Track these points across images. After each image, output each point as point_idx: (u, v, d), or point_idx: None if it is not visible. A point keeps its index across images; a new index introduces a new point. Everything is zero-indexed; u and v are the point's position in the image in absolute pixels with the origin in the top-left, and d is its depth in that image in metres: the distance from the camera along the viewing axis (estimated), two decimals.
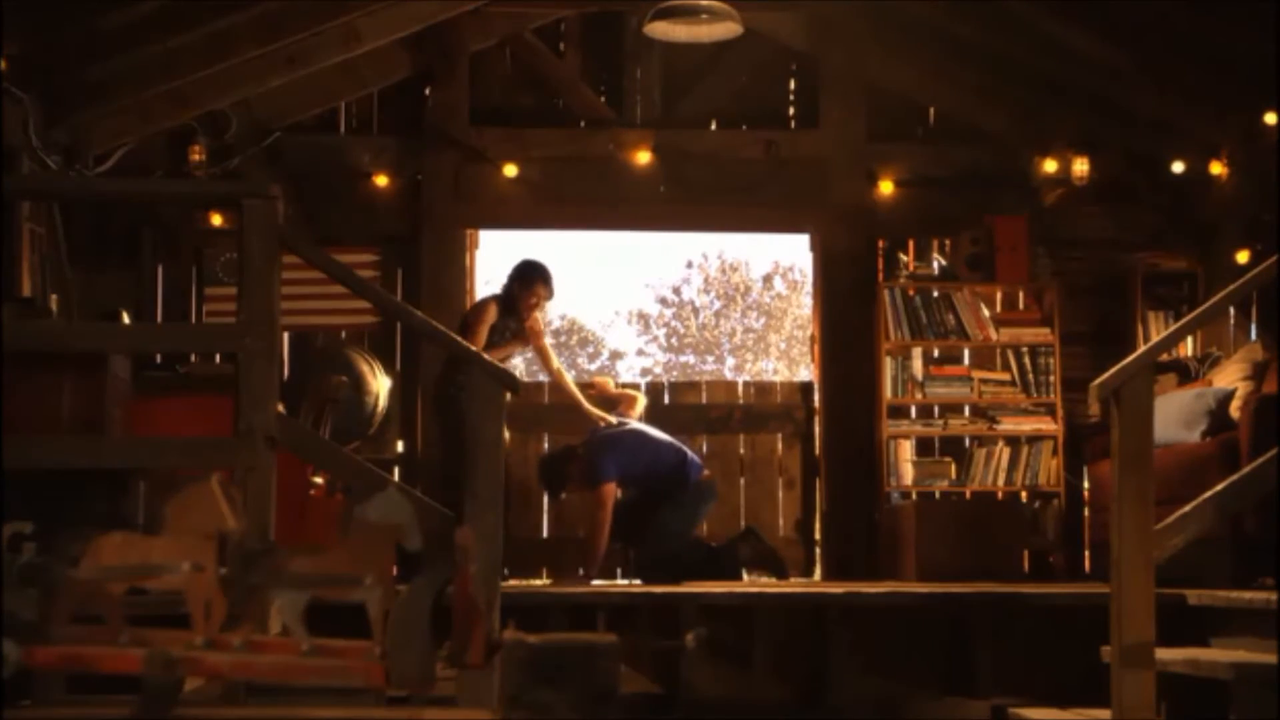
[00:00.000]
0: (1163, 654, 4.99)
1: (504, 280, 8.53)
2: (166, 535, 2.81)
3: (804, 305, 31.18)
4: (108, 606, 2.91)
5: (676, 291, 33.27)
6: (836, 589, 6.99)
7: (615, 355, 33.67)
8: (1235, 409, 7.48)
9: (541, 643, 2.58)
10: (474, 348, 7.98)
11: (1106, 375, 5.05)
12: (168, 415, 5.84)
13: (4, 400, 4.53)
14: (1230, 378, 7.89)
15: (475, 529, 4.07)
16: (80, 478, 4.69)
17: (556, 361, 8.91)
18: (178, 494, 2.84)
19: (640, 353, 33.28)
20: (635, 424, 8.61)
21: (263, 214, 4.66)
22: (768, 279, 32.89)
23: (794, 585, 8.46)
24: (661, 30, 8.56)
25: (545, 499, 9.73)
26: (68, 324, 5.41)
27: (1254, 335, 9.02)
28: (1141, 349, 5.16)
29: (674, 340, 33.11)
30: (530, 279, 8.41)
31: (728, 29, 8.48)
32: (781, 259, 32.79)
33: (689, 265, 33.19)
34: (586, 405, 8.63)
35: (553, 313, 33.66)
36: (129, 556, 2.80)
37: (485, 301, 8.53)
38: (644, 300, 39.45)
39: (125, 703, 3.58)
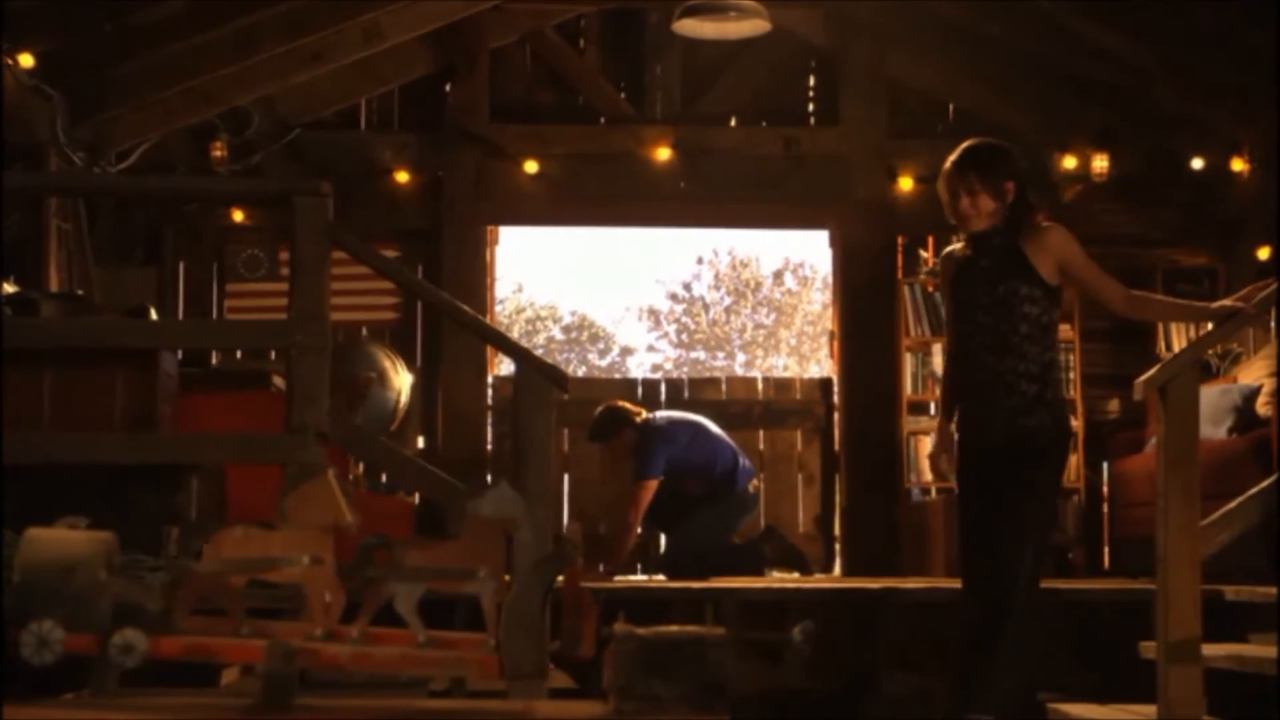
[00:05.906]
0: (1206, 650, 5.01)
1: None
2: (285, 529, 2.86)
3: (814, 301, 31.12)
4: (230, 599, 2.96)
5: (687, 287, 33.09)
6: (873, 584, 7.00)
7: (626, 351, 33.60)
8: (1261, 405, 7.50)
9: (652, 635, 2.61)
10: None
11: (1152, 371, 5.08)
12: (207, 411, 5.86)
13: (59, 397, 4.56)
14: (1256, 374, 7.91)
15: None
16: (133, 473, 4.72)
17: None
18: (296, 489, 2.88)
19: (651, 349, 33.21)
20: (698, 418, 8.49)
21: (313, 211, 4.68)
22: (778, 275, 32.76)
23: (822, 580, 8.47)
24: (690, 27, 8.55)
25: (565, 490, 9.78)
26: (120, 321, 5.42)
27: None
28: (1187, 344, 5.18)
29: (684, 336, 32.96)
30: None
31: (755, 25, 8.47)
32: (792, 255, 32.73)
33: (699, 261, 33.01)
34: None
35: (563, 309, 33.58)
36: (249, 550, 2.86)
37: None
38: (654, 296, 39.37)
39: (177, 694, 3.61)
